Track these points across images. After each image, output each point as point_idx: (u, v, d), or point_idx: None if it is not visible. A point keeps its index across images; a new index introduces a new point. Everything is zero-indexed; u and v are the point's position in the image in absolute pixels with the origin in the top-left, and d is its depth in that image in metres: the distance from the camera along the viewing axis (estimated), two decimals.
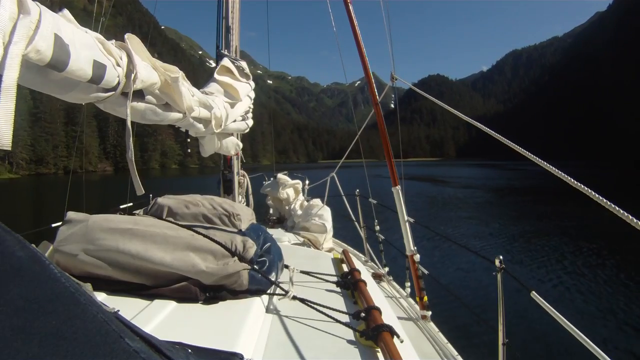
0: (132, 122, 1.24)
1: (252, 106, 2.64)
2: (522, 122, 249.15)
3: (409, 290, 3.15)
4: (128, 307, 1.19)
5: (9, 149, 0.65)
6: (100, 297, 1.27)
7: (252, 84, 2.59)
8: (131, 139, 1.19)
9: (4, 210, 20.92)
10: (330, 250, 3.61)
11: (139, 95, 1.30)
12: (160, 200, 1.93)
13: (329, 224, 3.94)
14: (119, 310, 0.53)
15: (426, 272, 2.86)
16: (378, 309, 1.28)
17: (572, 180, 1.52)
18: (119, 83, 1.13)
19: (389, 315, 1.41)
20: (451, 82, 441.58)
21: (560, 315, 1.76)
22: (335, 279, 1.72)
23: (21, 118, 74.10)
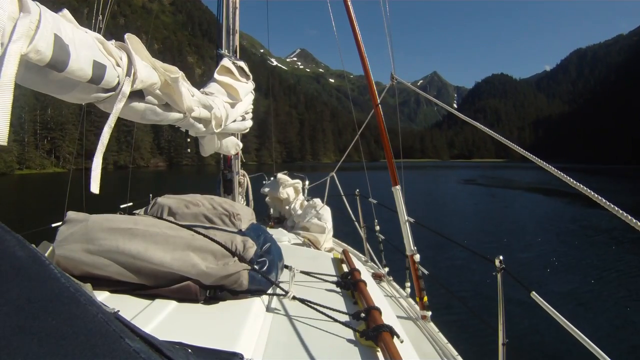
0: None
1: (252, 106, 2.63)
2: (590, 123, 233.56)
3: (409, 290, 3.15)
4: (128, 307, 1.19)
5: (5, 144, 0.65)
6: (101, 297, 1.26)
7: (252, 83, 2.58)
8: (109, 135, 1.15)
9: (9, 208, 20.90)
10: (330, 250, 3.60)
11: (139, 95, 1.30)
12: (160, 200, 1.93)
13: (329, 224, 3.93)
14: (119, 311, 0.53)
15: (426, 272, 2.86)
16: (378, 309, 1.28)
17: (572, 180, 1.53)
18: (119, 83, 1.13)
19: (389, 316, 1.41)
20: (515, 82, 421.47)
21: (560, 316, 1.76)
22: (335, 279, 1.72)
23: (69, 112, 74.02)
